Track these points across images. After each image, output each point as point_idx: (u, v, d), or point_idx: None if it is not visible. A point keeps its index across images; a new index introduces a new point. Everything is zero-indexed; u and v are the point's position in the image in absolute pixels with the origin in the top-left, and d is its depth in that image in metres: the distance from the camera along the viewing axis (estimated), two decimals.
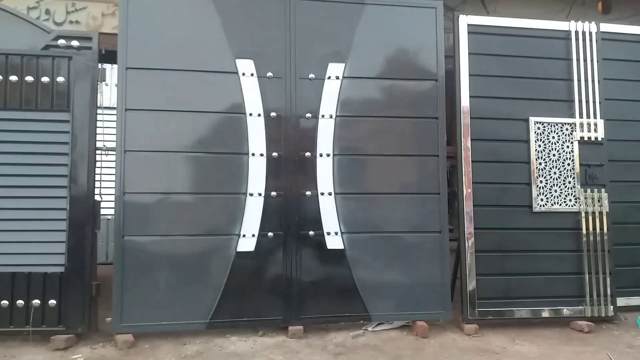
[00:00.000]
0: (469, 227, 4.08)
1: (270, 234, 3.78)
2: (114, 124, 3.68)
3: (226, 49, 3.86)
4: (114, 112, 3.69)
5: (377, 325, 3.96)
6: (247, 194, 3.78)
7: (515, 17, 5.96)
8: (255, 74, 3.87)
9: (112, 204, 3.62)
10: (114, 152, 3.67)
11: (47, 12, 6.16)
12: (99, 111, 3.77)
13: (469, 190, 4.11)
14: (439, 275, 4.00)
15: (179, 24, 3.85)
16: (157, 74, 3.78)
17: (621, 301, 4.31)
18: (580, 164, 4.28)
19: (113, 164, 3.65)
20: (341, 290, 3.86)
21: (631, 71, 4.62)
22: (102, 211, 3.82)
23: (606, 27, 4.58)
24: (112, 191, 3.64)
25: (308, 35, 3.99)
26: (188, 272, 3.68)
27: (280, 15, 3.96)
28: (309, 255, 3.85)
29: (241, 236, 3.73)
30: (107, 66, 4.87)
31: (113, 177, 3.65)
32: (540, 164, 4.25)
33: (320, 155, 3.94)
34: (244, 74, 3.86)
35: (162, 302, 3.62)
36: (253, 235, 3.75)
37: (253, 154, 3.83)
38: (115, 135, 3.67)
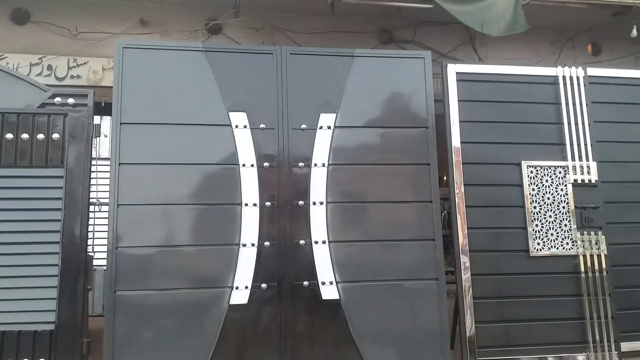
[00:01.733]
0: (465, 274, 4.03)
1: (263, 285, 3.74)
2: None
3: (219, 102, 3.94)
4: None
5: None
6: (240, 245, 3.76)
7: (507, 61, 6.13)
8: (248, 126, 3.94)
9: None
10: (107, 206, 3.69)
11: (49, 67, 6.35)
12: (95, 164, 3.83)
13: (464, 236, 4.09)
14: (437, 323, 3.91)
15: (173, 79, 3.94)
16: (151, 128, 3.84)
17: (625, 346, 4.20)
18: (576, 207, 4.27)
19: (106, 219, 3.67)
20: (337, 341, 3.78)
21: (620, 113, 4.67)
22: (97, 262, 3.81)
23: (593, 71, 4.66)
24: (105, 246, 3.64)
25: (299, 87, 4.07)
26: (180, 326, 3.62)
27: (272, 68, 4.06)
28: (303, 306, 3.79)
29: (234, 288, 3.69)
30: (107, 118, 4.97)
31: (106, 232, 3.66)
32: (535, 207, 4.24)
33: (314, 203, 3.95)
34: (237, 126, 3.92)
35: (155, 357, 3.55)
36: (246, 287, 3.71)
37: (246, 204, 3.84)
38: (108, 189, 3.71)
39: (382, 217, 4.04)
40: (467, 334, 3.94)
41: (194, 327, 3.63)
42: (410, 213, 4.07)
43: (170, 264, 3.71)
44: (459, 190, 4.15)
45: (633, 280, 4.40)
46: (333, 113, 4.07)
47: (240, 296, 3.69)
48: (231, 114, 3.93)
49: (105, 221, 3.69)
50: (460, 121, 4.27)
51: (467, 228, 4.11)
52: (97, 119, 4.16)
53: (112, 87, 3.89)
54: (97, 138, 3.97)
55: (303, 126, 4.01)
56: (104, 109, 4.01)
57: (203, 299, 3.68)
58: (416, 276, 3.97)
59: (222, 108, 3.93)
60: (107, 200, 3.72)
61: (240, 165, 3.88)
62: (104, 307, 3.59)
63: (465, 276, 4.03)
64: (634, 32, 6.27)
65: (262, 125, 3.95)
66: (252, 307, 3.71)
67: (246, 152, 3.90)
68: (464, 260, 4.05)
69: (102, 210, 3.93)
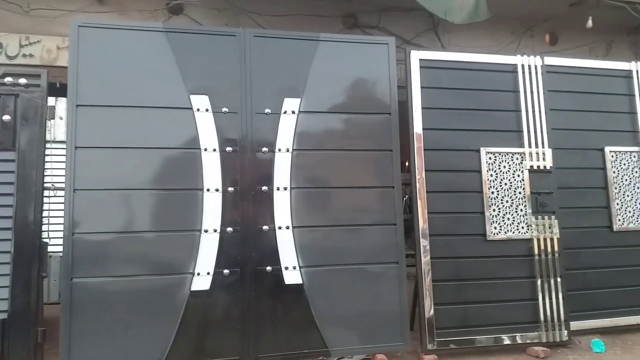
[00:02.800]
0: (425, 257, 4.13)
1: (226, 271, 3.72)
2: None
3: (180, 85, 3.85)
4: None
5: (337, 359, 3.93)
6: (202, 231, 3.72)
7: (468, 49, 6.22)
8: (210, 110, 3.87)
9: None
10: (63, 191, 3.57)
11: None
12: (50, 148, 3.68)
13: (425, 221, 4.17)
14: (398, 305, 4.00)
15: (132, 60, 3.82)
16: (109, 110, 3.72)
17: (575, 325, 4.42)
18: (531, 192, 4.43)
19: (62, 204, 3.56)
20: (300, 325, 3.82)
21: (575, 102, 4.84)
22: (53, 249, 3.70)
23: (550, 60, 4.81)
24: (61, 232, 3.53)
25: (263, 70, 4.02)
26: (140, 313, 3.56)
27: (235, 51, 3.98)
28: (266, 292, 3.80)
29: (196, 274, 3.66)
30: (63, 99, 4.78)
31: (62, 217, 3.55)
32: (492, 192, 4.36)
33: (278, 189, 3.94)
34: (198, 110, 3.85)
35: (114, 345, 3.49)
36: (208, 273, 3.68)
37: (208, 190, 3.79)
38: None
39: (345, 203, 4.07)
40: (426, 316, 4.05)
41: (154, 314, 3.58)
42: (372, 198, 4.12)
43: (129, 250, 3.63)
44: (420, 175, 4.22)
45: (583, 262, 4.62)
46: (297, 98, 4.05)
47: (201, 282, 3.66)
48: (192, 97, 3.85)
49: (61, 206, 3.58)
50: (422, 108, 4.32)
51: (428, 213, 4.20)
52: (51, 101, 4.00)
53: (67, 67, 3.74)
54: (52, 120, 3.81)
55: (267, 110, 3.97)
56: (59, 90, 3.85)
57: (163, 285, 3.63)
58: (378, 260, 4.04)
59: (183, 91, 3.84)
60: (62, 185, 3.60)
61: (202, 150, 3.82)
62: (60, 295, 3.49)
63: (425, 259, 4.13)
64: (590, 23, 6.48)
65: (224, 109, 3.89)
66: (214, 293, 3.69)
67: (208, 136, 3.84)
68: (424, 244, 4.14)
69: (57, 195, 3.80)
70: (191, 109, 3.84)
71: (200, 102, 3.86)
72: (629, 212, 4.84)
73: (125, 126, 3.74)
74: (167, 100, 3.82)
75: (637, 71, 5.05)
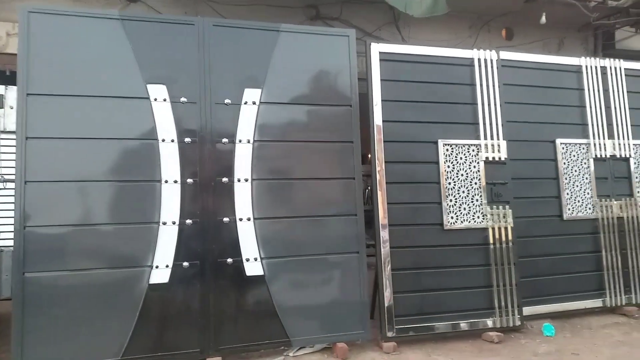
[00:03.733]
0: (385, 247, 4.20)
1: (185, 263, 3.68)
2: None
3: (137, 74, 3.76)
4: None
5: (298, 349, 3.96)
6: (160, 223, 3.67)
7: (428, 42, 6.33)
8: (168, 99, 3.80)
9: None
10: (14, 183, 3.44)
11: None
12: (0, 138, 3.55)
13: (385, 211, 4.24)
14: (358, 295, 4.07)
15: (86, 48, 3.70)
16: (62, 100, 3.61)
17: (526, 310, 4.61)
18: (486, 183, 4.56)
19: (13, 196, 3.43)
20: (261, 316, 3.83)
21: (529, 95, 5.01)
22: (3, 243, 3.57)
23: (505, 54, 4.95)
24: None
25: (223, 60, 3.98)
26: (97, 308, 3.49)
27: (194, 40, 3.92)
28: (227, 284, 3.78)
29: (154, 267, 3.60)
30: (14, 88, 4.58)
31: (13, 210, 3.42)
32: (449, 183, 4.48)
33: (238, 180, 3.91)
34: (156, 99, 3.77)
35: (69, 342, 3.42)
36: (167, 266, 3.63)
37: (166, 181, 3.73)
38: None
39: (307, 194, 4.09)
40: (386, 304, 4.13)
41: (112, 309, 3.52)
42: (334, 189, 4.16)
43: (85, 243, 3.54)
44: (380, 167, 4.28)
45: (535, 250, 4.82)
46: (258, 88, 4.02)
47: (160, 275, 3.62)
48: (149, 87, 3.77)
49: (12, 199, 3.45)
50: (382, 100, 4.37)
51: (387, 203, 4.27)
52: (1, 89, 3.83)
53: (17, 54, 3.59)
54: (2, 110, 3.66)
55: (227, 101, 3.93)
56: (9, 78, 3.68)
57: (121, 279, 3.57)
58: (339, 250, 4.09)
59: (139, 80, 3.75)
60: (13, 177, 3.46)
61: (160, 141, 3.75)
62: (12, 290, 3.38)
63: (385, 249, 4.20)
64: (543, 19, 6.69)
65: (183, 99, 3.83)
66: (174, 285, 3.65)
67: (166, 127, 3.78)
68: (384, 234, 4.21)
69: (7, 187, 3.66)
70: (148, 98, 3.76)
71: (158, 91, 3.78)
72: (578, 201, 5.06)
73: (80, 116, 3.63)
74: (123, 89, 3.73)
75: (586, 66, 5.27)
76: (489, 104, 4.68)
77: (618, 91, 5.35)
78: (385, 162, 4.30)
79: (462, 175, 4.53)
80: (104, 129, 3.65)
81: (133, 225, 3.63)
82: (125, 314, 3.53)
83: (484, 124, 4.63)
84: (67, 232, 3.52)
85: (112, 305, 3.52)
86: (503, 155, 4.65)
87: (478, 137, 4.60)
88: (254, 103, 4.00)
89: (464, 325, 4.33)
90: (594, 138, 5.17)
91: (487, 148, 4.60)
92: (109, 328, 3.49)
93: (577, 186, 5.08)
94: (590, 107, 5.20)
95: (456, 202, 4.47)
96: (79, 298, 3.47)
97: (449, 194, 4.45)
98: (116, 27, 3.77)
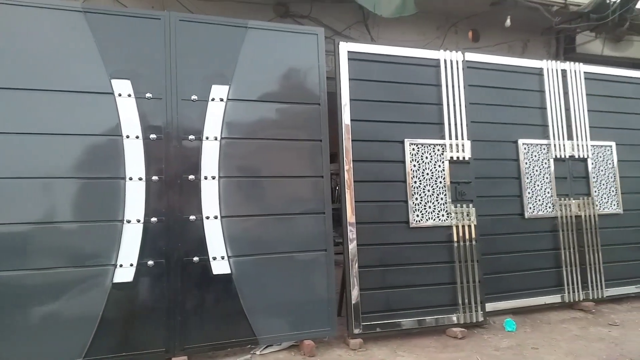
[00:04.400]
0: (352, 244, 4.24)
1: (150, 262, 3.63)
2: None
3: (100, 68, 3.67)
4: None
5: (265, 347, 3.96)
6: (125, 221, 3.60)
7: (397, 42, 6.38)
8: (132, 95, 3.73)
9: None
10: None
11: None
12: None
13: (352, 209, 4.28)
14: (325, 292, 4.09)
15: (47, 41, 3.59)
16: (21, 94, 3.49)
17: (490, 306, 4.73)
18: (451, 182, 4.66)
19: None
20: (228, 315, 3.80)
21: (492, 96, 5.14)
22: None
23: (470, 56, 5.05)
24: None
25: (190, 56, 3.93)
26: (59, 308, 3.40)
27: (160, 35, 3.85)
28: (193, 282, 3.75)
29: (118, 266, 3.53)
30: None
31: None
32: (415, 182, 4.55)
33: (205, 178, 3.88)
34: (120, 95, 3.70)
35: (29, 343, 3.32)
36: (131, 265, 3.57)
37: (131, 178, 3.66)
38: None
39: (274, 192, 4.09)
40: (353, 301, 4.17)
41: (74, 308, 3.43)
42: (302, 188, 4.16)
43: (46, 242, 3.44)
44: (348, 166, 4.31)
45: (497, 248, 4.95)
46: (226, 85, 3.99)
47: (124, 274, 3.55)
48: (114, 82, 3.69)
49: None
50: (351, 99, 4.41)
51: (355, 202, 4.31)
52: None
53: None
54: None
55: (194, 97, 3.89)
56: None
57: (83, 278, 3.48)
58: (307, 248, 4.10)
59: (103, 75, 3.67)
60: None
61: (124, 137, 3.68)
62: None
63: (352, 246, 4.24)
64: (508, 22, 6.86)
65: (148, 95, 3.77)
66: (139, 284, 3.59)
67: (130, 123, 3.71)
68: (352, 232, 4.25)
69: None
70: (112, 93, 3.69)
71: (122, 86, 3.71)
72: (539, 200, 5.22)
73: (40, 111, 3.52)
74: (86, 84, 3.64)
75: (548, 69, 5.43)
76: (454, 105, 4.77)
77: (577, 93, 5.55)
78: (353, 160, 4.34)
79: (427, 174, 4.60)
80: (66, 124, 3.56)
81: (96, 223, 3.55)
82: (87, 314, 3.45)
83: (449, 124, 4.72)
84: (27, 231, 3.41)
85: (74, 304, 3.43)
86: (467, 154, 4.75)
87: (443, 137, 4.69)
88: (221, 100, 3.97)
89: (429, 321, 4.41)
90: (554, 139, 5.34)
91: (452, 148, 4.69)
92: (72, 328, 3.41)
93: (537, 185, 5.24)
94: (551, 108, 5.38)
95: (422, 200, 4.55)
96: (39, 298, 3.38)
97: (414, 193, 4.52)
98: (79, 19, 3.68)
